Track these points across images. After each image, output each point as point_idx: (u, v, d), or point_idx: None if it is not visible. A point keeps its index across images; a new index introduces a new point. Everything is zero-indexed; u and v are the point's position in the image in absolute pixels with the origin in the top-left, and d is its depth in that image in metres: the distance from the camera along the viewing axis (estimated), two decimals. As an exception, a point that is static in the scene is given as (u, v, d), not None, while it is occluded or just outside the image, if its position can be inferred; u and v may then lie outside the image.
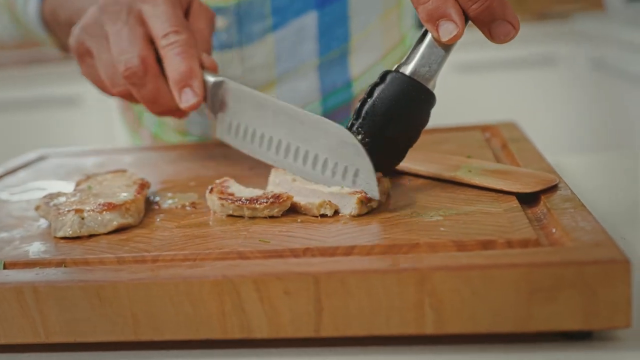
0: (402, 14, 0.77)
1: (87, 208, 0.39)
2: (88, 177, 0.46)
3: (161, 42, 0.48)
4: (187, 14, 0.53)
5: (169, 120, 0.73)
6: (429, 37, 0.41)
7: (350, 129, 0.41)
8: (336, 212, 0.39)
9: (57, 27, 0.65)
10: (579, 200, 0.37)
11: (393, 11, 0.75)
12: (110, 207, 0.39)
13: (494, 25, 0.39)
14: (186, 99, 0.47)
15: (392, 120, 0.40)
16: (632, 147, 1.72)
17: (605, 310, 0.30)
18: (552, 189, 0.39)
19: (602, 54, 1.87)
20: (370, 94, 0.41)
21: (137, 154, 0.63)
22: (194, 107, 0.47)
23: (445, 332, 0.31)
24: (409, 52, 0.42)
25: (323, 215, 0.39)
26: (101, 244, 0.38)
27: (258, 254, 0.35)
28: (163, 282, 0.32)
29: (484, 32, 0.40)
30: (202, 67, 0.49)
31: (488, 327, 0.31)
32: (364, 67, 0.72)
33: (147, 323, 0.33)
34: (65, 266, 0.36)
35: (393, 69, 0.41)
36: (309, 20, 0.69)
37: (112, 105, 1.97)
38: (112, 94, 0.52)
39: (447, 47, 0.41)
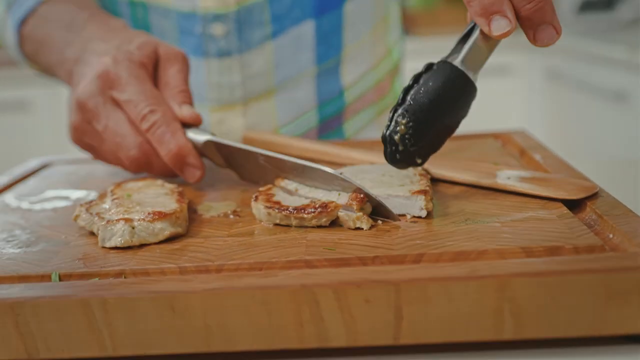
0: (389, 29, 0.78)
1: (137, 217, 0.38)
2: (118, 185, 0.45)
3: (142, 126, 0.49)
4: (156, 66, 0.53)
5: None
6: (476, 32, 0.42)
7: (393, 113, 0.41)
8: (372, 227, 0.40)
9: (34, 57, 0.64)
10: (626, 206, 0.38)
11: (380, 25, 0.76)
12: (161, 215, 0.38)
13: (540, 28, 0.40)
14: (191, 175, 0.49)
15: (438, 106, 0.41)
16: (585, 156, 1.78)
17: None
18: (595, 195, 0.41)
19: (556, 64, 1.93)
20: (416, 80, 0.42)
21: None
22: (201, 178, 0.49)
23: (523, 338, 0.32)
24: (455, 46, 0.43)
25: (358, 228, 0.39)
26: (155, 253, 0.37)
27: (326, 263, 0.35)
28: (238, 291, 0.32)
29: (528, 34, 0.41)
30: (187, 124, 0.50)
31: (564, 331, 0.31)
32: (354, 77, 0.73)
33: (219, 334, 0.32)
34: (125, 277, 0.35)
35: (440, 60, 0.42)
36: (307, 29, 0.69)
37: (63, 111, 1.92)
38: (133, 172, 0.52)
39: (492, 44, 0.42)
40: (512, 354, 0.32)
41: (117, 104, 0.49)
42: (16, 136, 2.34)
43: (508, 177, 0.44)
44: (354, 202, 0.39)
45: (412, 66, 0.66)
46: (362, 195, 0.39)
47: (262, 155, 0.45)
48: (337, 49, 0.70)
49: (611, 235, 0.35)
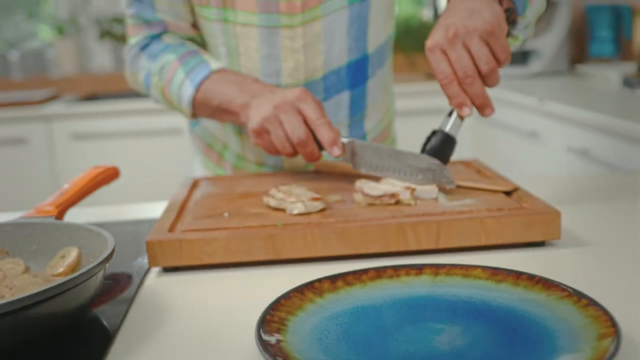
0: (388, 94, 1.22)
1: (305, 199, 0.80)
2: (277, 188, 0.87)
3: (316, 122, 0.89)
4: None
5: (249, 155, 1.14)
6: (455, 113, 0.86)
7: (422, 152, 0.85)
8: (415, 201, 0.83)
9: (202, 108, 1.04)
10: (530, 192, 0.83)
11: (386, 92, 1.20)
12: (317, 199, 0.80)
13: (486, 111, 0.85)
14: (334, 151, 0.89)
15: (442, 149, 0.85)
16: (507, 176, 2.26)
17: (551, 233, 0.75)
18: (516, 190, 0.85)
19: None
20: (430, 138, 0.85)
21: (251, 178, 1.04)
22: (339, 157, 0.90)
23: (490, 243, 0.75)
24: (445, 118, 0.86)
25: (408, 204, 0.82)
26: (317, 217, 0.79)
27: (399, 216, 0.78)
28: (375, 223, 0.74)
29: (479, 112, 0.86)
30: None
31: (505, 240, 0.75)
32: (371, 126, 1.16)
33: (371, 243, 0.74)
34: (309, 223, 0.77)
35: (438, 128, 0.86)
36: (344, 96, 1.11)
37: (57, 145, 2.34)
38: (280, 154, 0.93)
39: (463, 118, 0.86)
40: (474, 254, 0.76)
41: (299, 112, 0.89)
42: (12, 169, 2.68)
43: (473, 180, 0.88)
44: (408, 191, 0.82)
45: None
46: (413, 187, 0.83)
47: (374, 147, 0.88)
48: (362, 108, 1.13)
49: (524, 205, 0.79)
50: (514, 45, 0.95)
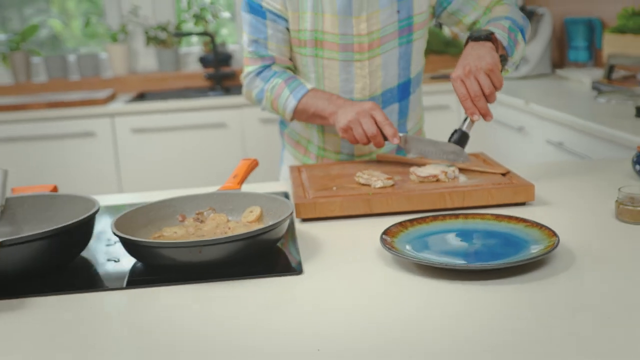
0: (422, 106, 1.76)
1: (382, 178, 1.34)
2: (363, 172, 1.40)
3: (383, 123, 1.42)
4: None
5: (329, 146, 1.67)
6: (468, 118, 1.40)
7: (449, 141, 1.39)
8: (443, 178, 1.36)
9: (301, 114, 1.58)
10: (518, 174, 1.37)
11: (420, 105, 1.74)
12: (389, 178, 1.34)
13: (487, 117, 1.39)
14: (395, 141, 1.42)
15: (461, 140, 1.39)
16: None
17: (528, 197, 1.29)
18: (508, 172, 1.39)
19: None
20: (453, 134, 1.40)
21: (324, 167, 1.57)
22: (397, 144, 1.43)
23: (468, 205, 1.29)
24: (462, 122, 1.40)
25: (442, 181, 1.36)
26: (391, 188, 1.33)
27: (439, 188, 1.31)
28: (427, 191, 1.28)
29: (483, 117, 1.40)
30: None
31: (499, 200, 1.29)
32: (411, 126, 1.69)
33: (424, 201, 1.28)
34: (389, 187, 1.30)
35: (458, 127, 1.40)
36: (395, 107, 1.62)
37: (119, 138, 2.92)
38: (357, 143, 1.47)
39: (474, 122, 1.40)
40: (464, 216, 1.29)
41: (372, 117, 1.42)
42: (82, 159, 3.20)
43: (481, 166, 1.42)
44: (443, 173, 1.36)
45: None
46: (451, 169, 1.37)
47: (419, 138, 1.42)
48: (406, 115, 1.66)
49: (513, 181, 1.33)
50: (506, 75, 1.49)
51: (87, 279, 1.08)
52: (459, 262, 1.01)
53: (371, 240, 1.12)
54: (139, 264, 1.10)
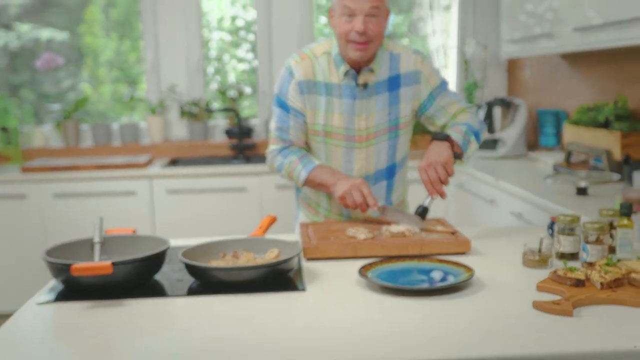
0: (406, 182, 2.32)
1: (365, 232, 1.89)
2: (352, 228, 1.95)
3: (367, 196, 1.99)
4: None
5: (333, 209, 2.23)
6: (429, 197, 1.96)
7: (414, 213, 1.95)
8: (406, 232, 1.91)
9: (310, 183, 2.14)
10: (462, 232, 1.92)
11: (404, 181, 2.30)
12: (370, 232, 1.89)
13: (443, 196, 1.96)
14: (375, 209, 1.98)
15: (422, 213, 1.95)
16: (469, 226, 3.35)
17: (466, 248, 1.83)
18: (455, 232, 1.93)
19: (462, 181, 3.54)
20: (418, 208, 1.96)
21: (327, 225, 2.13)
22: (377, 212, 2.00)
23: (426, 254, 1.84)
24: (424, 198, 1.97)
25: (403, 235, 1.91)
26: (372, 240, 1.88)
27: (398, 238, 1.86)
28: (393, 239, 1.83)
29: (440, 195, 1.97)
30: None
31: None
32: (396, 198, 2.26)
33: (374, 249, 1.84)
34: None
35: (421, 204, 1.96)
36: (384, 183, 2.19)
37: (156, 197, 3.52)
38: (350, 208, 2.02)
39: (433, 200, 1.96)
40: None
41: (360, 189, 1.98)
42: (124, 212, 3.77)
43: (438, 226, 1.97)
44: (407, 231, 1.91)
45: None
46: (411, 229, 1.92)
47: (393, 208, 1.98)
48: (392, 189, 2.22)
49: (458, 237, 1.88)
50: (462, 165, 2.07)
51: (161, 290, 1.62)
52: (413, 285, 1.55)
53: (352, 273, 1.67)
54: (195, 283, 1.65)
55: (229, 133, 4.42)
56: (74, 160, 4.12)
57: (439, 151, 1.98)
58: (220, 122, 4.59)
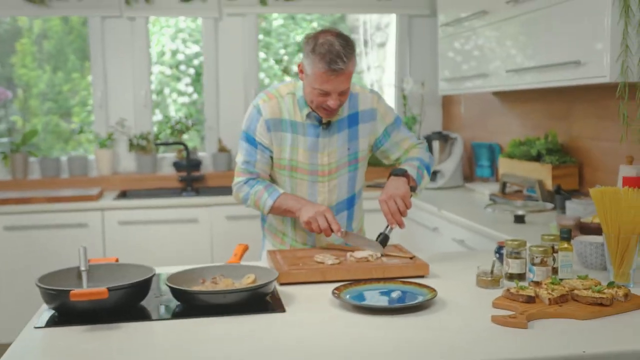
0: (362, 211, 2.51)
1: (332, 258, 2.05)
2: (319, 254, 2.11)
3: (331, 221, 2.15)
4: None
5: (298, 238, 2.38)
6: (389, 226, 2.15)
7: (375, 240, 2.13)
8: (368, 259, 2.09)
9: (276, 210, 2.29)
10: (420, 257, 2.10)
11: (361, 210, 2.49)
12: (337, 258, 2.06)
13: (402, 225, 2.15)
14: (338, 234, 2.15)
15: (383, 241, 2.14)
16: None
17: (424, 271, 2.02)
18: (413, 256, 2.12)
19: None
20: (379, 235, 2.14)
21: (295, 252, 2.28)
22: (340, 237, 2.17)
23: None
24: (385, 228, 2.15)
25: (368, 260, 2.08)
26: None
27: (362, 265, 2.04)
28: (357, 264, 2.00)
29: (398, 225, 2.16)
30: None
31: (408, 274, 2.02)
32: (355, 225, 2.43)
33: (336, 273, 2.00)
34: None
35: (382, 231, 2.15)
36: (345, 213, 2.37)
37: (107, 229, 3.61)
38: (314, 232, 2.19)
39: (392, 229, 2.15)
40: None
41: (325, 216, 2.15)
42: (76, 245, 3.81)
43: (397, 252, 2.15)
44: (369, 256, 2.08)
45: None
46: (375, 255, 2.10)
47: (356, 234, 2.15)
48: (352, 218, 2.40)
49: (416, 261, 2.06)
50: (416, 197, 2.27)
51: (147, 313, 1.74)
52: (378, 304, 1.72)
53: (324, 295, 1.82)
54: (179, 307, 1.77)
55: (177, 165, 4.52)
56: (23, 193, 4.13)
57: (397, 185, 2.17)
58: (168, 155, 4.69)
